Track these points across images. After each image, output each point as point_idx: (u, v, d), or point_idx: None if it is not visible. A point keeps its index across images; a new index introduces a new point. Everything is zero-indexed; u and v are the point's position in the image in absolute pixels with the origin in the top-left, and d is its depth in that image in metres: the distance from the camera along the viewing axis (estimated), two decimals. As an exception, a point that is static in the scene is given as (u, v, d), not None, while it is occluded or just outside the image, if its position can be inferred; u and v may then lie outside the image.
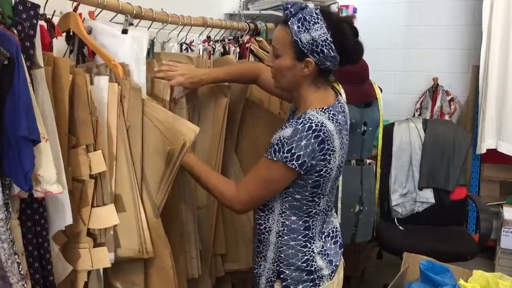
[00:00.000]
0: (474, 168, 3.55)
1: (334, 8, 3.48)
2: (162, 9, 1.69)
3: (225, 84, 1.78)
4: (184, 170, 1.50)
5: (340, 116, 1.40)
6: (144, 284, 1.44)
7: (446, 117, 3.62)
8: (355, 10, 3.74)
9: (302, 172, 1.33)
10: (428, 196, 2.97)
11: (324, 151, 1.33)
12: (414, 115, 3.72)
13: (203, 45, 2.05)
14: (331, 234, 1.52)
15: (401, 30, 3.80)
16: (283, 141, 1.33)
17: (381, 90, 2.46)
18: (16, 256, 1.02)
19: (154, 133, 1.39)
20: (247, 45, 2.31)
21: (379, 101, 2.42)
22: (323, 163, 1.35)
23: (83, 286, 1.31)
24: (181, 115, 1.57)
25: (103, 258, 1.31)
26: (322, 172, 1.36)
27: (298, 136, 1.31)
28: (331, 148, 1.35)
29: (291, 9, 1.34)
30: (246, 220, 1.89)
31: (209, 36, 2.14)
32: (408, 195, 2.99)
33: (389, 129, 3.03)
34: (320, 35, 1.31)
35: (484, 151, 3.27)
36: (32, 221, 1.11)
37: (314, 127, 1.32)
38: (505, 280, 1.91)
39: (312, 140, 1.31)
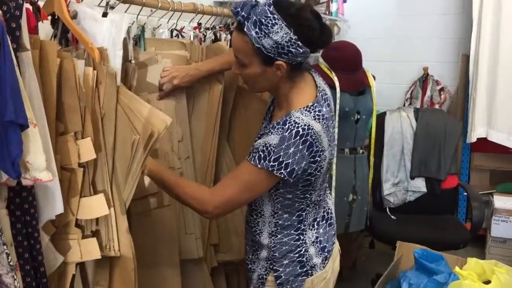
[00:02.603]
0: (464, 157, 3.56)
1: (323, -3, 3.45)
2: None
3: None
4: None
5: (325, 109, 1.34)
6: (107, 285, 1.36)
7: (436, 107, 3.61)
8: (345, 0, 3.71)
9: (291, 180, 1.29)
10: (420, 185, 2.96)
11: (313, 154, 1.28)
12: (404, 105, 3.71)
13: (193, 32, 2.01)
14: (325, 217, 1.49)
15: (391, 19, 3.78)
16: (269, 149, 1.26)
17: (374, 78, 2.44)
18: (5, 247, 0.98)
19: (124, 122, 1.30)
20: (238, 32, 2.27)
21: (373, 89, 2.40)
22: (314, 165, 1.31)
23: (71, 278, 1.26)
24: (181, 98, 1.53)
25: (93, 249, 1.26)
26: (312, 171, 1.32)
27: (285, 144, 1.25)
28: (321, 149, 1.30)
29: (243, 13, 1.24)
30: (238, 211, 1.86)
31: (200, 23, 2.10)
32: (400, 184, 2.98)
33: (380, 119, 3.01)
34: (283, 36, 1.22)
35: (474, 140, 3.27)
36: (21, 210, 1.07)
37: (301, 132, 1.25)
38: (500, 267, 1.91)
39: (301, 146, 1.25)
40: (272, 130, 1.29)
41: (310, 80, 1.40)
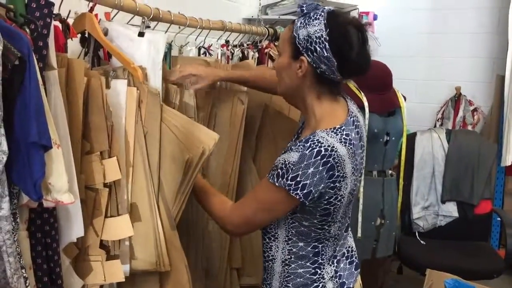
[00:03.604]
0: (498, 181, 3.43)
1: (354, 14, 3.42)
2: (179, 12, 1.63)
3: (243, 90, 1.71)
4: None
5: (353, 135, 1.27)
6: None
7: (469, 128, 3.51)
8: (375, 17, 3.66)
9: (307, 203, 1.21)
10: (451, 209, 2.86)
11: (333, 178, 1.20)
12: (435, 125, 3.61)
13: (221, 50, 1.99)
14: (346, 254, 1.41)
15: (423, 38, 3.71)
16: (288, 166, 1.20)
17: (404, 98, 2.36)
18: (23, 270, 0.95)
19: (172, 140, 1.32)
20: (266, 50, 2.25)
21: (403, 110, 2.33)
22: (333, 191, 1.22)
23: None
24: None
25: (117, 271, 1.24)
26: (331, 200, 1.24)
27: (305, 162, 1.18)
28: (342, 175, 1.22)
29: (303, 8, 1.27)
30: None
31: (228, 41, 2.09)
32: (430, 208, 2.88)
33: (411, 139, 2.93)
34: (316, 31, 1.21)
35: (509, 163, 3.15)
36: (42, 232, 1.04)
37: (323, 152, 1.18)
38: (538, 302, 1.80)
39: (320, 168, 1.18)
40: (293, 148, 1.23)
41: (343, 105, 1.34)
